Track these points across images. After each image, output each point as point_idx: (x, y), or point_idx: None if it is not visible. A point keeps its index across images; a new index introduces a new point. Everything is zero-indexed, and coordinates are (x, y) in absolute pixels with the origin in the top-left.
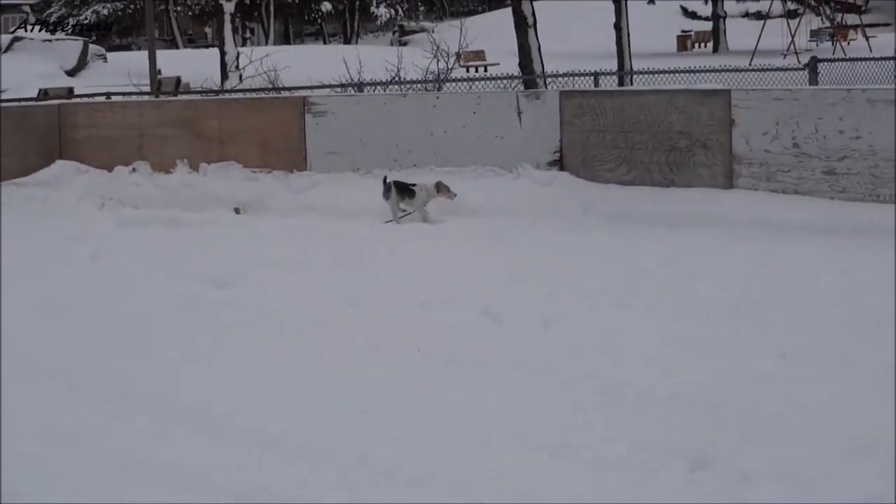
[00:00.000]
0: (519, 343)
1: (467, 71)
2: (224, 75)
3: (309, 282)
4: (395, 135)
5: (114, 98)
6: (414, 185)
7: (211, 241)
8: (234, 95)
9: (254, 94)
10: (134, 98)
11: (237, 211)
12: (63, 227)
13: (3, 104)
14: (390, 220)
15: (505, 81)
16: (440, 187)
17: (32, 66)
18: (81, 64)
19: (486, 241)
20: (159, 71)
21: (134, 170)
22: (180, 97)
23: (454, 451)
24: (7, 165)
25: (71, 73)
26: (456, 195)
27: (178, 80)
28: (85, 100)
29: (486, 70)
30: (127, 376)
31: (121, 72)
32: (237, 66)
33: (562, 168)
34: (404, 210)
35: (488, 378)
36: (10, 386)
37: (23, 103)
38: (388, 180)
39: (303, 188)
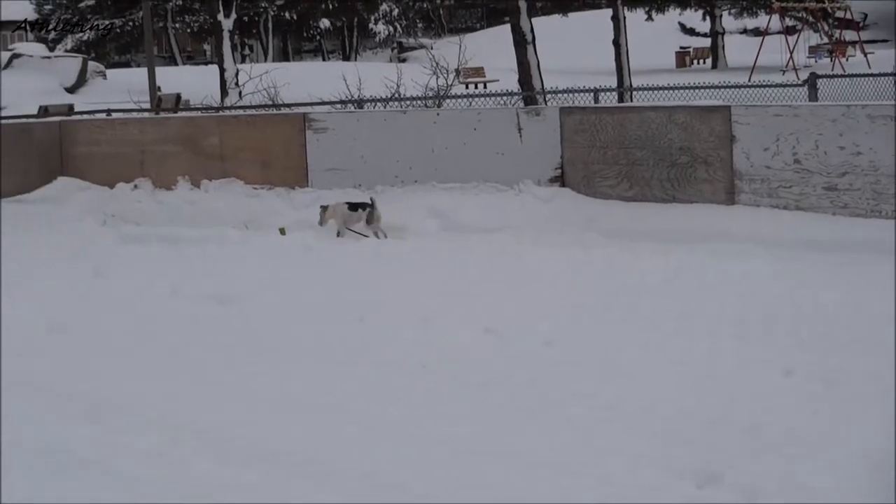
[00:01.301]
0: (521, 360)
1: (467, 87)
2: (224, 92)
3: (312, 298)
4: (395, 151)
5: (114, 115)
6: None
7: (213, 258)
8: (234, 112)
9: (254, 111)
10: (134, 115)
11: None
12: (65, 244)
13: (4, 121)
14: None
15: (505, 98)
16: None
17: (32, 83)
18: (81, 81)
19: (488, 257)
20: (159, 88)
21: (135, 186)
22: (180, 114)
23: (458, 469)
24: (8, 182)
25: (70, 89)
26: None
27: (178, 96)
28: (85, 117)
29: (485, 86)
30: (130, 394)
31: (120, 89)
32: (237, 83)
33: (563, 184)
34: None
35: (491, 395)
36: (12, 404)
37: (23, 120)
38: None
39: (305, 204)
